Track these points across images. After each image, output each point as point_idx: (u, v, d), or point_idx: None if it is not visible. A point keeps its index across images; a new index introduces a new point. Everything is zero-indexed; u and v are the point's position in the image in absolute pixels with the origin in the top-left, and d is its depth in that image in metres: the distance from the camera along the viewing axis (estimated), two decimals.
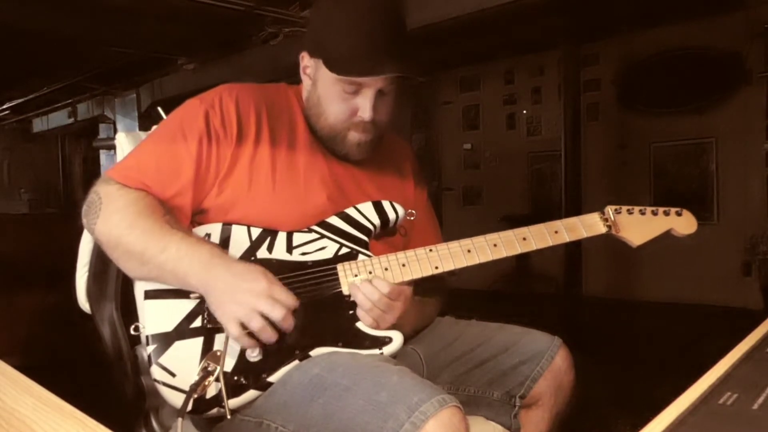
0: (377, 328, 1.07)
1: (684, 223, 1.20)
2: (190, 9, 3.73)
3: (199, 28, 4.30)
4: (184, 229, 1.03)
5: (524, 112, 5.70)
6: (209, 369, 0.98)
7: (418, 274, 1.09)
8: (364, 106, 1.12)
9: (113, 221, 1.02)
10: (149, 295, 1.04)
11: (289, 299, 0.99)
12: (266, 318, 0.97)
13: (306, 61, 1.19)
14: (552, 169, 5.42)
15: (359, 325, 1.07)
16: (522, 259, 5.20)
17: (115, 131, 7.09)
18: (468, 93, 6.10)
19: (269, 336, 0.98)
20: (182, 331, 1.02)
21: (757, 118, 4.42)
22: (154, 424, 1.16)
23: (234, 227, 1.08)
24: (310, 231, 1.11)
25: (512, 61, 5.64)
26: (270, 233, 1.09)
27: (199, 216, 1.11)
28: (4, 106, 7.38)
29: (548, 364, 1.18)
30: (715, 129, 4.62)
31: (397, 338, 1.07)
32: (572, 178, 4.16)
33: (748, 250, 4.46)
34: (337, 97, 1.13)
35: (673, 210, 1.20)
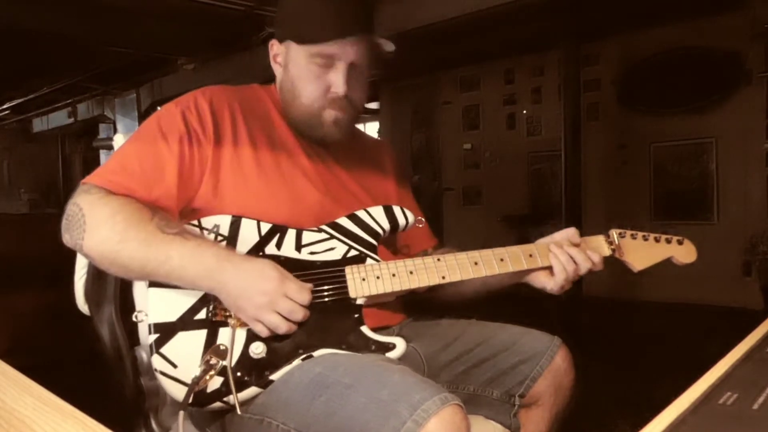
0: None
1: (684, 252, 1.24)
2: (190, 9, 3.73)
3: (199, 28, 4.30)
4: (178, 229, 1.01)
5: (524, 112, 5.71)
6: (212, 363, 0.97)
7: (425, 283, 1.11)
8: (337, 80, 1.13)
9: (101, 236, 0.98)
10: (154, 282, 1.02)
11: (304, 295, 0.99)
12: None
13: (275, 49, 1.21)
14: (552, 169, 5.42)
15: (363, 329, 1.07)
16: None
17: (115, 131, 7.12)
18: (468, 93, 6.11)
19: (291, 329, 1.00)
20: (186, 322, 1.01)
21: (757, 118, 4.42)
22: (154, 424, 1.16)
23: (243, 220, 1.07)
24: (320, 230, 1.11)
25: (512, 61, 5.65)
26: (279, 230, 1.08)
27: (192, 214, 1.09)
28: (5, 106, 7.39)
29: (548, 364, 1.18)
30: (715, 129, 4.62)
31: (400, 344, 1.07)
32: (572, 178, 4.16)
33: (748, 250, 4.46)
34: (310, 75, 1.14)
35: (674, 238, 1.24)
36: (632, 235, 1.23)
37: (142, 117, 6.05)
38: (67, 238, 1.02)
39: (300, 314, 0.99)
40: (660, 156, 4.93)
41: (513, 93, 5.76)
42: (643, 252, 1.23)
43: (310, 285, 1.02)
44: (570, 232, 1.20)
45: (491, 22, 4.04)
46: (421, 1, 3.93)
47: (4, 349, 2.93)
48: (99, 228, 0.98)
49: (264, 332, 0.99)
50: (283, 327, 0.98)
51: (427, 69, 6.13)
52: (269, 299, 0.96)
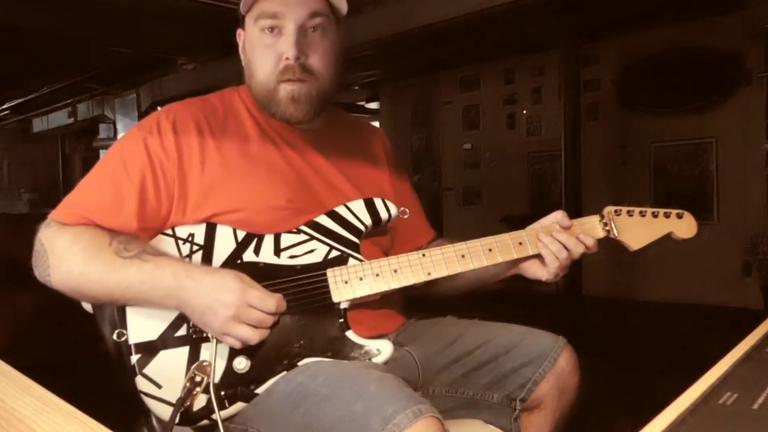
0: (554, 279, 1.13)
1: (684, 227, 1.16)
2: (190, 9, 3.73)
3: (199, 28, 4.30)
4: (136, 251, 0.98)
5: (524, 112, 5.70)
6: (196, 380, 0.95)
7: (410, 281, 1.07)
8: (285, 44, 1.08)
9: (63, 271, 0.98)
10: None
11: (269, 302, 0.96)
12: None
13: (242, 38, 1.18)
14: (552, 169, 5.42)
15: (349, 334, 1.04)
16: None
17: (115, 131, 7.11)
18: (468, 93, 6.10)
19: (263, 336, 0.98)
20: (167, 340, 0.99)
21: (757, 118, 4.42)
22: (155, 423, 1.16)
23: (219, 227, 1.04)
24: (299, 232, 1.07)
25: (512, 60, 5.64)
26: (257, 234, 1.05)
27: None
28: (4, 106, 7.38)
29: (551, 367, 1.14)
30: (715, 129, 4.62)
31: (386, 349, 1.05)
32: (572, 178, 4.16)
33: (748, 250, 4.46)
34: (260, 46, 1.11)
35: (674, 212, 1.15)
36: (628, 212, 1.15)
37: (142, 117, 6.03)
38: (38, 275, 1.02)
39: (268, 322, 0.97)
40: (660, 156, 4.93)
41: (513, 93, 5.76)
42: (640, 230, 1.15)
43: (278, 295, 0.98)
44: (558, 216, 1.14)
45: (491, 22, 4.04)
46: (422, 1, 3.93)
47: (4, 349, 2.93)
48: (61, 262, 0.98)
49: (236, 345, 0.97)
50: (254, 337, 0.95)
51: (427, 69, 6.12)
52: (234, 312, 0.94)
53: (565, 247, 1.11)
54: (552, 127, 5.33)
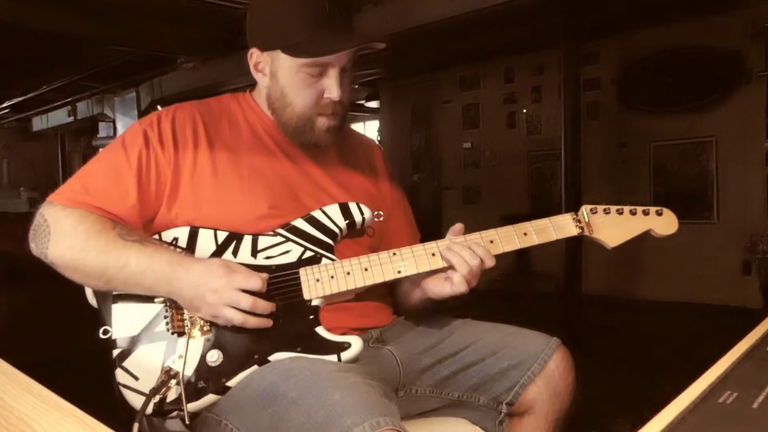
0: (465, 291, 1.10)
1: (664, 224, 1.15)
2: (190, 8, 3.73)
3: (199, 26, 4.30)
4: (138, 237, 1.04)
5: (524, 110, 5.70)
6: (171, 373, 1.01)
7: (380, 278, 1.10)
8: (331, 86, 1.13)
9: (64, 244, 1.03)
10: (117, 298, 1.06)
11: (253, 281, 1.01)
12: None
13: (256, 57, 1.18)
14: (552, 168, 5.41)
15: (319, 330, 1.07)
16: (522, 257, 5.20)
17: (115, 130, 7.09)
18: (468, 92, 6.10)
19: (257, 323, 1.02)
20: (147, 336, 1.05)
21: (756, 117, 4.42)
22: (145, 424, 1.16)
23: (201, 231, 1.09)
24: (276, 234, 1.11)
25: (512, 59, 5.64)
26: (236, 237, 1.09)
27: (154, 229, 1.11)
28: (4, 105, 7.38)
29: (540, 369, 1.13)
30: (715, 128, 4.62)
31: (355, 344, 1.06)
32: (572, 177, 4.16)
33: (747, 249, 4.46)
34: (302, 84, 1.13)
35: (653, 209, 1.16)
36: (605, 210, 1.16)
37: (142, 115, 6.03)
38: (33, 248, 1.07)
39: (247, 302, 1.00)
40: (660, 155, 4.93)
41: (513, 92, 5.76)
42: (617, 227, 1.15)
43: (264, 275, 1.03)
44: (456, 228, 1.15)
45: (491, 20, 4.03)
46: (421, 0, 3.93)
47: (4, 347, 2.93)
48: (63, 237, 1.03)
49: (228, 324, 1.02)
50: (237, 318, 1.00)
51: (427, 68, 6.12)
52: (219, 296, 0.99)
53: (460, 255, 1.09)
54: (552, 125, 5.33)
